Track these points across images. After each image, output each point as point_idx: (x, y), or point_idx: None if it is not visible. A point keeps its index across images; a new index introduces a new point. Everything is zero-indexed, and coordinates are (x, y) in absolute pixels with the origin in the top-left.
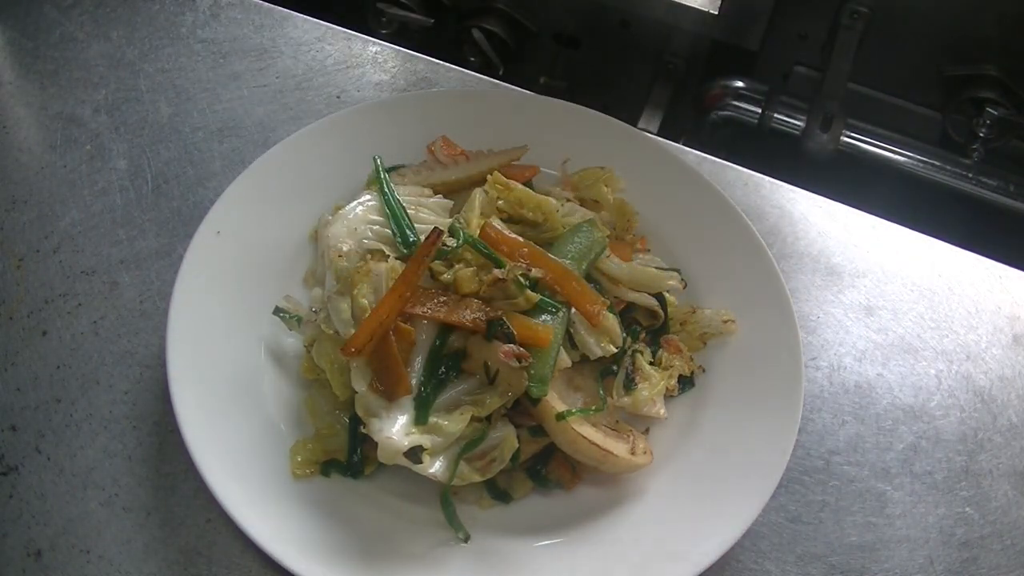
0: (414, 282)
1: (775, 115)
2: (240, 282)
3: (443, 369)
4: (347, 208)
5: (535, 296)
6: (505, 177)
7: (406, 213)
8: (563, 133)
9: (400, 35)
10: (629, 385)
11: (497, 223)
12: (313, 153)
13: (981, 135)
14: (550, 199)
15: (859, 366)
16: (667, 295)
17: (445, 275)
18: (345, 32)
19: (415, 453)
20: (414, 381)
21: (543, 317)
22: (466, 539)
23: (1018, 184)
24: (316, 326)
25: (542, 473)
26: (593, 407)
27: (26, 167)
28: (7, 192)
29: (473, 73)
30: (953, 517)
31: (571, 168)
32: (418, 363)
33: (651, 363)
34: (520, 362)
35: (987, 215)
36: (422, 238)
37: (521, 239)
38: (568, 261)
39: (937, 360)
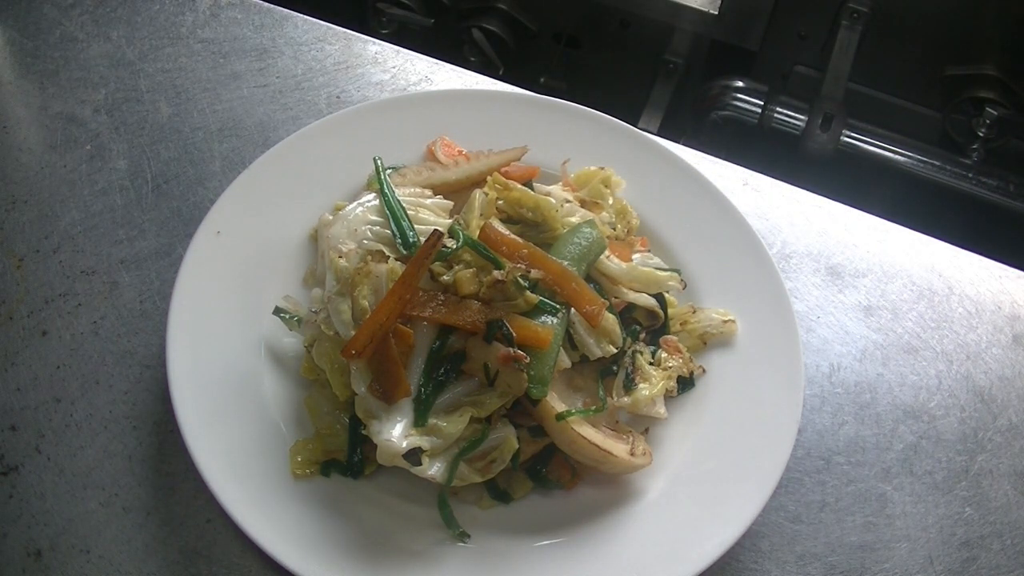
0: (414, 284)
1: (775, 115)
2: (240, 282)
3: (443, 370)
4: (347, 208)
5: (535, 297)
6: (505, 178)
7: (406, 214)
8: (563, 133)
9: (400, 35)
10: (629, 385)
11: (497, 224)
12: (313, 153)
13: (981, 135)
14: (549, 199)
15: (859, 366)
16: (667, 295)
17: (445, 276)
18: (345, 32)
19: (414, 455)
20: (414, 383)
21: (543, 318)
22: (464, 539)
23: (1018, 184)
24: (316, 326)
25: (542, 473)
26: (593, 407)
27: (26, 167)
28: (7, 192)
29: (473, 73)
30: (953, 517)
31: (571, 168)
32: (418, 365)
33: (651, 363)
34: (519, 364)
35: (987, 215)
36: (422, 239)
37: (521, 240)
38: (568, 262)
39: (937, 360)
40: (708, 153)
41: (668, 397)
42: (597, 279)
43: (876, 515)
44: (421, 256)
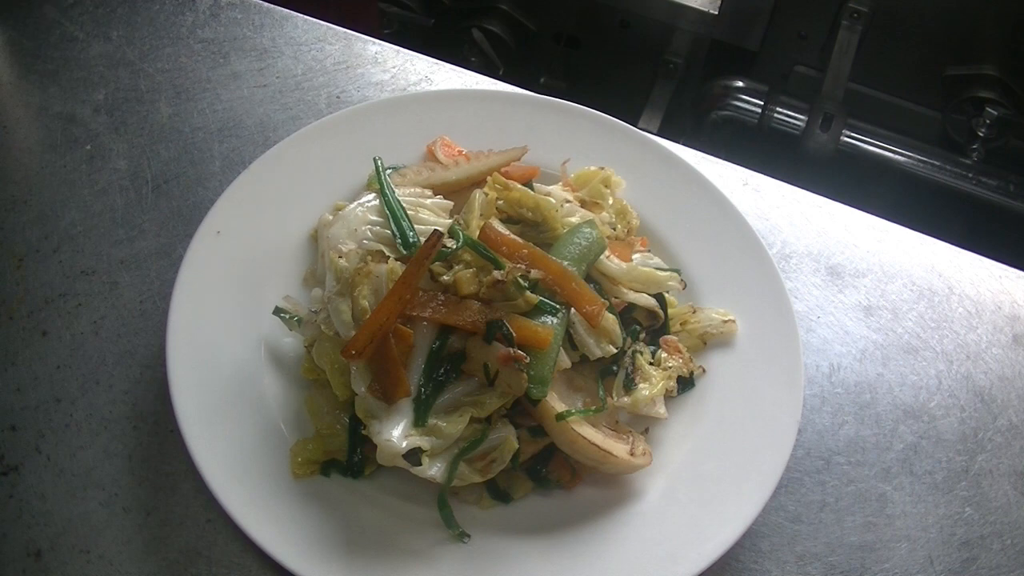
0: (414, 284)
1: (775, 115)
2: (240, 282)
3: (443, 370)
4: (347, 208)
5: (534, 297)
6: (505, 178)
7: (406, 214)
8: (563, 133)
9: (400, 35)
10: (629, 385)
11: (497, 224)
12: (313, 153)
13: (981, 135)
14: (549, 199)
15: (859, 366)
16: (667, 295)
17: (445, 276)
18: (345, 32)
19: (414, 455)
20: (414, 383)
21: (543, 318)
22: (464, 539)
23: (1018, 184)
24: (316, 327)
25: (542, 473)
26: (593, 408)
27: (26, 167)
28: (7, 192)
29: (473, 73)
30: (953, 517)
31: (571, 168)
32: (418, 365)
33: (651, 363)
34: (519, 364)
35: (987, 215)
36: (422, 239)
37: (521, 240)
38: (568, 262)
39: (937, 360)
40: (708, 153)
41: (668, 397)
42: (597, 279)
43: (876, 515)
44: (421, 256)
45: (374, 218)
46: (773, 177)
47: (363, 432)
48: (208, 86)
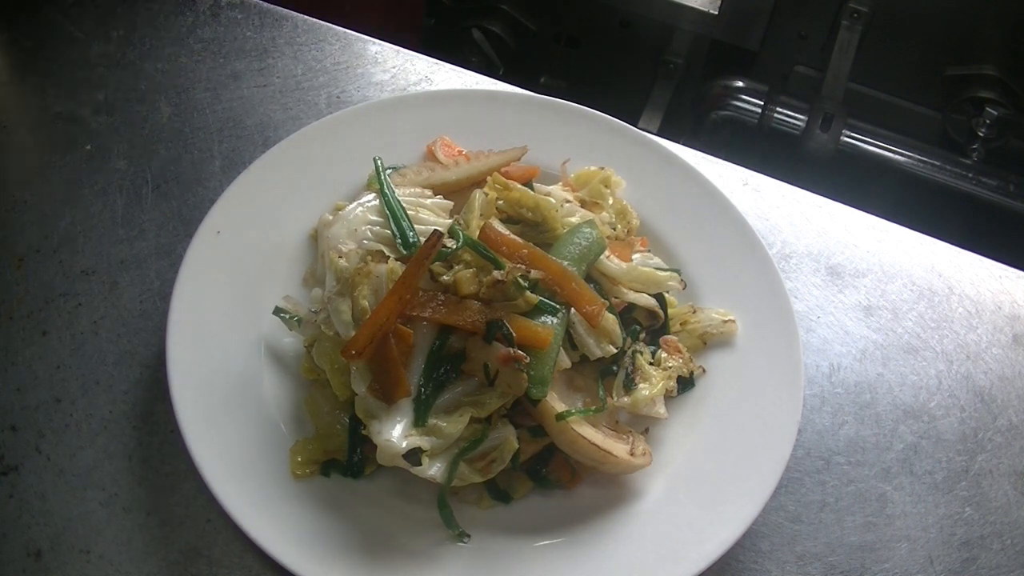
0: (414, 284)
1: (775, 115)
2: (240, 282)
3: (443, 370)
4: (347, 208)
5: (534, 298)
6: (505, 178)
7: (406, 214)
8: (563, 133)
9: (400, 35)
10: (629, 385)
11: (497, 224)
12: (313, 153)
13: (981, 135)
14: (549, 199)
15: (859, 366)
16: (667, 295)
17: (445, 276)
18: (345, 32)
19: (414, 455)
20: (414, 383)
21: (543, 318)
22: (464, 539)
23: (1018, 184)
24: (316, 326)
25: (542, 473)
26: (593, 408)
27: (26, 167)
28: (7, 192)
29: (473, 73)
30: (953, 517)
31: (571, 168)
32: (418, 365)
33: (651, 363)
34: (519, 364)
35: (987, 215)
36: (422, 239)
37: (521, 240)
38: (568, 262)
39: (937, 360)
40: (708, 153)
41: (668, 397)
42: (597, 279)
43: (876, 515)
44: (421, 256)
45: (374, 218)
46: (773, 177)
47: (363, 432)
48: (208, 86)
